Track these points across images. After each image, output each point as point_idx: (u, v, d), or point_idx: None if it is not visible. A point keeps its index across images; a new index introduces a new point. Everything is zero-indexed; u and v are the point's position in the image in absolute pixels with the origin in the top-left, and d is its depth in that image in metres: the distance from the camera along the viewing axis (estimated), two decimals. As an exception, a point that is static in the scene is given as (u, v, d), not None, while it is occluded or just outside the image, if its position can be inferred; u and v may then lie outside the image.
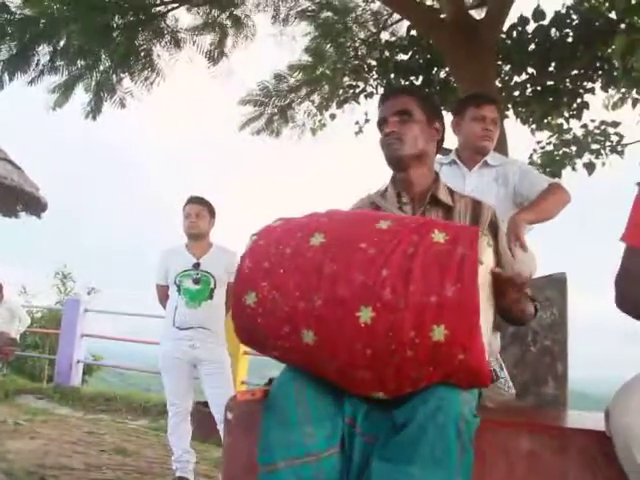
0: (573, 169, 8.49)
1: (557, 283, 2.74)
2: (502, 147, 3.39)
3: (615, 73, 7.43)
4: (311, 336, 1.55)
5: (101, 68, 8.03)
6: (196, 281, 4.16)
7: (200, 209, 4.24)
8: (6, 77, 7.66)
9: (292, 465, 1.57)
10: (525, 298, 1.89)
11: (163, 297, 4.33)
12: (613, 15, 7.09)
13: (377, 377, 1.54)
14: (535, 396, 2.63)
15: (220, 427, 4.06)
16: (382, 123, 2.14)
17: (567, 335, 2.69)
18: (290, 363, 1.72)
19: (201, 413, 5.47)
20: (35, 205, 8.89)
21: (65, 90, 8.12)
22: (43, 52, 7.65)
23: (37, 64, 7.70)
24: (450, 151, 3.20)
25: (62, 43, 7.50)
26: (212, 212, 4.32)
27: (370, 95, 8.79)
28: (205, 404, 4.74)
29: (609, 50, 7.10)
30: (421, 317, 1.46)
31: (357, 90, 8.90)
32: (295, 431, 1.60)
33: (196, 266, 4.18)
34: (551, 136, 8.72)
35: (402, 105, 2.10)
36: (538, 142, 8.79)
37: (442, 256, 1.52)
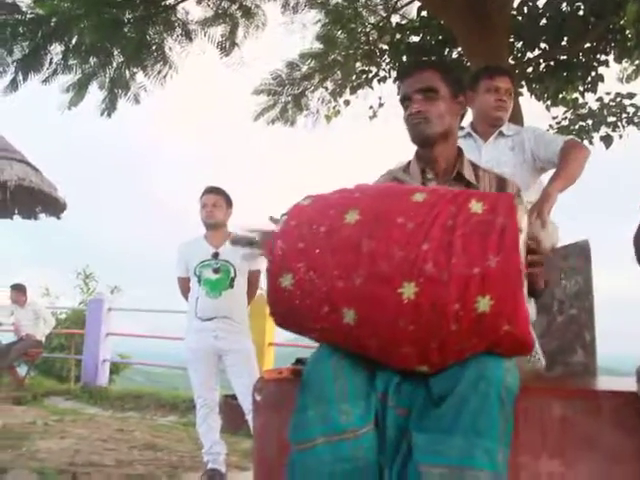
0: (590, 143, 8.35)
1: (581, 251, 2.70)
2: (518, 124, 3.37)
3: (629, 44, 7.34)
4: (352, 315, 1.53)
5: (114, 64, 8.03)
6: (216, 270, 4.14)
7: (217, 199, 4.23)
8: (20, 77, 7.68)
9: (330, 441, 1.56)
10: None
11: (185, 289, 4.32)
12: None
13: (420, 352, 1.52)
14: (564, 366, 2.60)
15: (249, 417, 4.05)
16: (405, 100, 2.09)
17: (593, 303, 2.64)
18: (330, 343, 1.69)
19: (229, 406, 5.49)
20: (54, 206, 8.95)
21: (79, 88, 8.13)
22: (55, 51, 7.66)
23: (50, 63, 7.71)
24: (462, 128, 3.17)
25: (74, 41, 7.50)
26: (229, 202, 4.30)
27: (383, 79, 8.77)
28: (233, 397, 4.73)
29: (621, 21, 6.99)
30: (465, 289, 1.43)
31: (370, 75, 8.88)
32: (333, 408, 1.58)
33: (215, 255, 4.17)
34: (566, 111, 8.62)
35: (427, 82, 2.04)
36: (554, 117, 8.68)
37: (482, 226, 1.49)
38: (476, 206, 1.54)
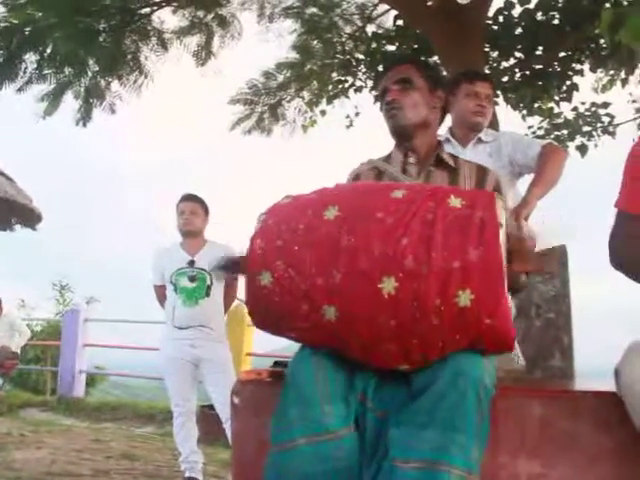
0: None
1: (558, 255, 2.71)
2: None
3: (603, 53, 7.44)
4: (333, 312, 1.52)
5: (89, 74, 7.97)
6: (192, 279, 4.11)
7: (194, 206, 4.21)
8: (-6, 86, 7.62)
9: (311, 442, 1.55)
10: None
11: (161, 297, 4.29)
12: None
13: (402, 348, 1.51)
14: (542, 370, 2.61)
15: (226, 425, 4.04)
16: (383, 93, 2.13)
17: (571, 307, 2.67)
18: (309, 343, 1.68)
19: (206, 416, 5.45)
20: (29, 217, 8.85)
21: (54, 98, 8.06)
22: (30, 60, 7.59)
23: (25, 72, 7.63)
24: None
25: (49, 50, 7.45)
26: (206, 210, 4.29)
27: (359, 89, 8.80)
28: (210, 407, 4.71)
29: (596, 30, 7.08)
30: (446, 283, 1.43)
31: (346, 85, 8.90)
32: (314, 409, 1.57)
33: (191, 263, 4.14)
34: (542, 120, 8.70)
35: (402, 73, 2.09)
36: (529, 127, 8.76)
37: (461, 220, 1.49)
38: (455, 201, 1.54)
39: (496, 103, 7.46)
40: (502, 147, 3.03)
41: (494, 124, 5.45)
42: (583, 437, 1.63)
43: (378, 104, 2.17)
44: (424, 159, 2.10)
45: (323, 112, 9.63)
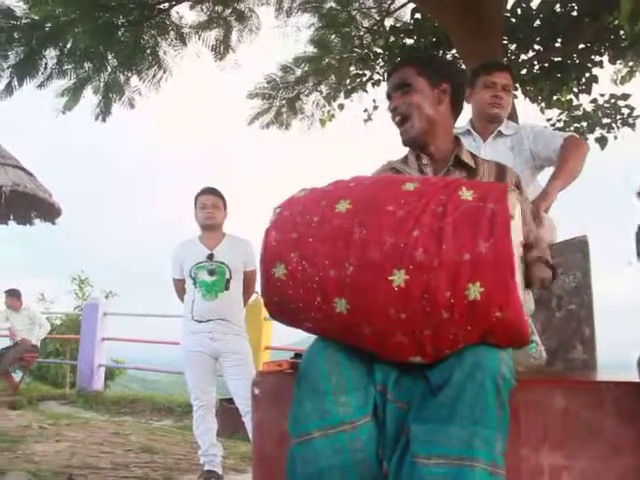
0: (585, 145, 8.39)
1: (579, 246, 2.69)
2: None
3: (622, 44, 7.37)
4: (344, 304, 1.52)
5: (108, 69, 8.02)
6: (211, 272, 4.13)
7: (216, 200, 4.23)
8: (15, 82, 7.67)
9: (327, 434, 1.54)
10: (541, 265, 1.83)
11: (180, 291, 4.31)
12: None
13: (414, 341, 1.50)
14: (564, 362, 2.58)
15: (245, 419, 4.06)
16: (388, 100, 2.14)
17: (592, 298, 2.63)
18: (323, 334, 1.69)
19: (225, 409, 5.48)
20: (49, 211, 8.94)
21: (74, 93, 8.12)
22: (50, 56, 7.64)
23: (45, 68, 7.69)
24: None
25: (69, 46, 7.49)
26: (225, 203, 4.30)
27: (377, 83, 8.77)
28: (229, 400, 4.72)
29: (615, 22, 7.01)
30: (455, 276, 1.42)
31: (364, 79, 8.88)
32: (329, 400, 1.56)
33: (210, 257, 4.16)
34: (561, 113, 8.65)
35: (401, 77, 2.08)
36: (548, 119, 8.70)
37: (472, 213, 1.48)
38: (466, 193, 1.53)
39: (515, 96, 7.43)
40: (523, 140, 3.00)
41: (513, 117, 5.42)
42: (606, 428, 1.62)
43: (392, 117, 2.17)
44: (441, 160, 2.08)
45: (341, 106, 9.63)
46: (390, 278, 1.45)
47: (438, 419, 1.47)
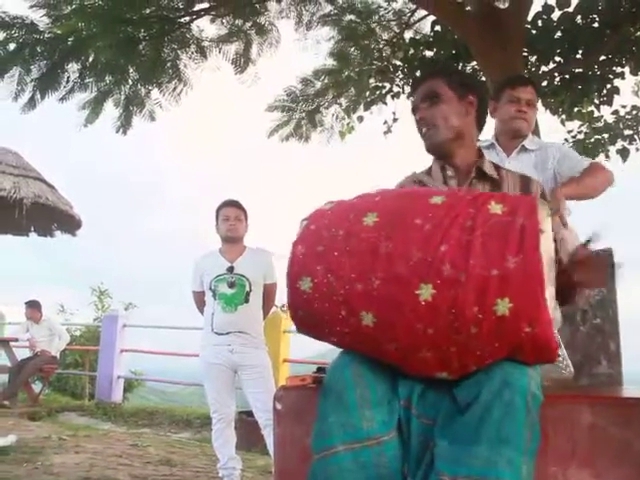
0: (607, 157, 8.38)
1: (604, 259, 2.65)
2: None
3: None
4: (370, 318, 1.51)
5: (129, 82, 8.08)
6: (231, 285, 4.13)
7: (238, 212, 4.24)
8: (38, 95, 7.74)
9: (352, 449, 1.53)
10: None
11: (200, 303, 4.31)
12: (639, -2, 6.98)
13: (440, 357, 1.49)
14: (589, 377, 2.55)
15: (264, 432, 4.04)
16: (414, 112, 2.13)
17: (617, 312, 2.60)
18: (349, 348, 1.67)
19: (244, 422, 5.46)
20: (69, 223, 9.04)
21: (95, 106, 8.18)
22: (72, 69, 7.71)
23: (67, 81, 7.77)
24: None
25: (90, 59, 7.57)
26: (247, 216, 4.31)
27: (397, 95, 8.76)
28: (248, 413, 4.70)
29: (637, 33, 6.97)
30: (484, 291, 1.40)
31: (384, 91, 8.87)
32: (354, 415, 1.55)
33: (230, 270, 4.16)
34: (582, 125, 8.63)
35: (429, 88, 2.08)
36: (569, 131, 8.70)
37: (501, 227, 1.46)
38: (495, 207, 1.51)
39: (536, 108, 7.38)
40: (549, 159, 2.97)
41: (535, 130, 5.39)
42: (636, 446, 1.58)
43: (417, 126, 2.15)
44: (465, 172, 2.07)
45: (360, 118, 9.62)
46: (417, 292, 1.44)
47: (464, 438, 1.44)
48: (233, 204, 4.25)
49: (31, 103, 7.84)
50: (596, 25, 7.14)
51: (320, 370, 1.93)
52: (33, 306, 8.69)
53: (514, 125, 3.02)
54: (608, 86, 7.72)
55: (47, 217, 8.83)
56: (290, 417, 1.87)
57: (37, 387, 9.23)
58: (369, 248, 1.52)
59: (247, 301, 4.14)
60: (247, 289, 4.15)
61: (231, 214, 4.21)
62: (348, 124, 9.88)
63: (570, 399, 1.70)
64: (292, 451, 1.84)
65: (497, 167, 2.11)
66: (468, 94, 2.07)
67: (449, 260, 1.43)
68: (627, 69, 7.60)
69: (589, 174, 2.78)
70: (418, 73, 8.09)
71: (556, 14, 7.21)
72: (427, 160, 2.20)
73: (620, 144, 8.29)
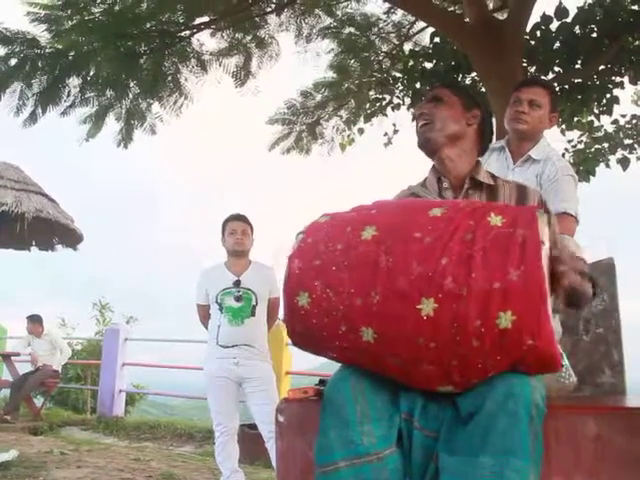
0: (607, 166, 8.41)
1: (605, 268, 2.65)
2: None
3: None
4: (371, 333, 1.49)
5: (130, 96, 8.10)
6: (238, 298, 4.14)
7: (244, 226, 4.26)
8: (39, 110, 7.75)
9: (353, 465, 1.52)
10: (584, 278, 1.79)
11: (204, 317, 4.32)
12: (637, 7, 7.02)
13: (443, 370, 1.48)
14: (592, 387, 2.53)
15: (268, 445, 4.03)
16: (417, 111, 2.14)
17: (620, 321, 2.59)
18: (349, 362, 1.66)
19: (247, 435, 5.43)
20: (71, 237, 9.06)
21: (96, 120, 8.19)
22: (73, 84, 7.71)
23: (68, 96, 7.77)
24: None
25: (91, 74, 7.58)
26: (253, 230, 4.33)
27: (397, 107, 8.79)
28: (251, 426, 4.69)
29: (636, 42, 7.00)
30: (486, 304, 1.39)
31: (384, 103, 8.90)
32: (354, 430, 1.54)
33: (237, 283, 4.18)
34: (582, 134, 8.65)
35: (435, 94, 2.11)
36: (569, 141, 8.72)
37: (502, 239, 1.45)
38: (495, 219, 1.50)
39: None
40: (543, 174, 2.88)
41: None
42: (641, 456, 1.57)
43: (416, 122, 2.16)
44: (460, 182, 2.06)
45: (361, 130, 9.66)
46: (419, 307, 1.43)
47: (469, 450, 1.44)
48: (240, 218, 4.28)
49: (32, 118, 7.85)
50: (595, 35, 7.16)
51: (322, 382, 1.93)
52: (34, 320, 8.67)
53: (512, 126, 2.95)
54: (607, 96, 7.74)
55: (48, 231, 8.85)
56: (292, 430, 1.86)
57: (39, 401, 9.20)
58: (368, 262, 1.51)
59: (253, 314, 4.16)
60: (253, 303, 4.18)
61: (238, 228, 4.23)
62: (349, 136, 9.91)
63: (574, 410, 1.69)
64: (295, 464, 1.82)
65: (493, 176, 2.10)
66: (474, 107, 2.09)
67: (450, 274, 1.42)
68: (626, 79, 7.62)
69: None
70: (418, 85, 8.13)
71: (555, 24, 7.25)
72: (426, 169, 2.19)
73: (620, 153, 8.34)
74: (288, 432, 1.87)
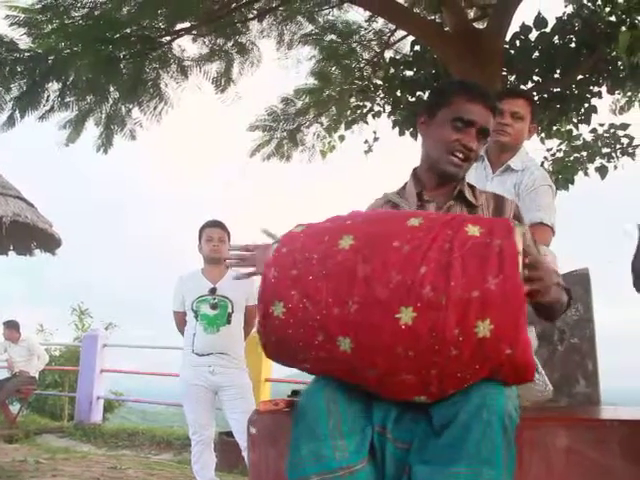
0: (585, 174, 8.49)
1: (580, 279, 2.67)
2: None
3: (621, 75, 7.48)
4: (348, 343, 1.48)
5: (110, 101, 8.06)
6: (213, 306, 4.10)
7: (221, 233, 4.22)
8: (17, 114, 7.69)
9: (324, 479, 1.50)
10: (557, 286, 1.78)
11: (181, 324, 4.28)
12: (614, 18, 7.13)
13: (420, 380, 1.47)
14: (567, 396, 2.55)
15: (245, 453, 3.99)
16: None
17: (595, 332, 2.61)
18: (324, 374, 1.64)
19: (224, 443, 5.40)
20: (49, 242, 8.95)
21: (76, 125, 8.15)
22: (53, 88, 7.67)
23: (47, 100, 7.73)
24: None
25: (71, 78, 7.53)
26: (230, 237, 4.29)
27: (378, 114, 8.81)
28: (228, 434, 4.66)
29: (613, 52, 7.10)
30: (464, 313, 1.39)
31: (364, 110, 8.93)
32: (326, 445, 1.53)
33: (212, 291, 4.14)
34: (561, 143, 8.73)
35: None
36: (548, 150, 8.80)
37: (480, 248, 1.45)
38: (472, 229, 1.50)
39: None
40: (521, 185, 2.86)
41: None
42: (612, 469, 1.58)
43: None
44: (444, 195, 2.03)
45: (342, 137, 9.68)
46: (397, 316, 1.42)
47: (442, 459, 1.44)
48: (217, 224, 4.23)
49: (10, 121, 7.79)
50: (573, 45, 7.28)
51: (294, 393, 1.92)
52: (11, 326, 8.58)
53: (494, 137, 2.86)
54: (586, 105, 7.85)
55: (26, 236, 8.74)
56: (264, 441, 1.85)
57: (15, 408, 9.09)
58: (346, 271, 1.50)
59: (229, 322, 4.12)
60: (229, 310, 4.13)
61: (215, 235, 4.19)
62: (329, 143, 9.92)
63: (546, 421, 1.70)
64: (267, 475, 1.81)
65: (471, 187, 2.08)
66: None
67: (429, 282, 1.42)
68: (604, 88, 7.75)
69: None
70: (398, 93, 8.16)
71: (534, 34, 7.34)
72: (406, 176, 2.17)
73: (599, 162, 8.40)
74: (260, 443, 1.87)
